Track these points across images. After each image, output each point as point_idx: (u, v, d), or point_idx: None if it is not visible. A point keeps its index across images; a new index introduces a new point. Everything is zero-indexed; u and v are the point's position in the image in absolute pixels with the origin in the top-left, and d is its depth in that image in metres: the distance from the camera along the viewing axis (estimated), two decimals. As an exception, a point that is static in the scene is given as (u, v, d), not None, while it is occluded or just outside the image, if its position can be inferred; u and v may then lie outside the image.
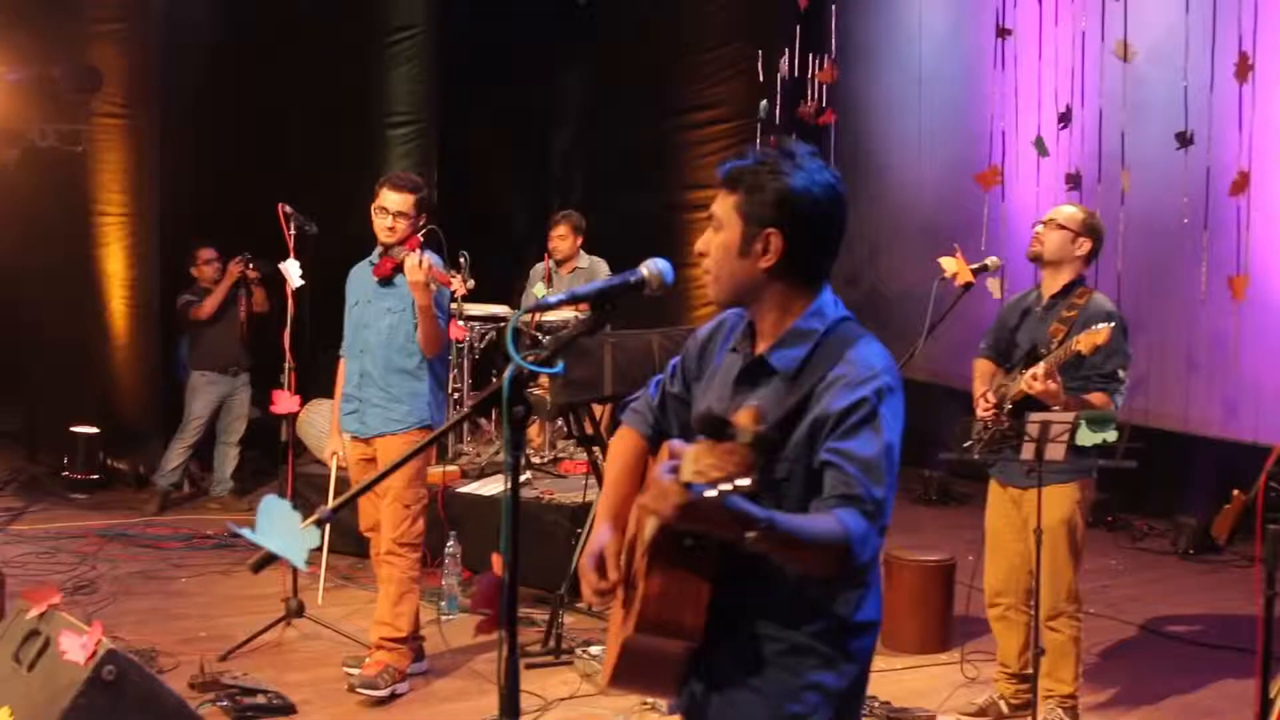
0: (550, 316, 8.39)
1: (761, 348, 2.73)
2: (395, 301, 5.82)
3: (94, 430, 10.18)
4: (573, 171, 13.42)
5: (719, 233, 2.69)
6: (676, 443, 2.49)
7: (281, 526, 2.22)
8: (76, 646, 4.36)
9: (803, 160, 2.67)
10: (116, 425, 10.44)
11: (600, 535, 2.81)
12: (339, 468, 6.38)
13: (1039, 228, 5.47)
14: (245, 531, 2.20)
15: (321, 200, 7.90)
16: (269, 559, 2.24)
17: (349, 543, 7.21)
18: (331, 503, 2.35)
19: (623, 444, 3.04)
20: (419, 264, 5.49)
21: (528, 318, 7.97)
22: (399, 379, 5.85)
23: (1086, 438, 4.76)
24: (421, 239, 5.85)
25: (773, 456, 2.57)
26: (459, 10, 11.78)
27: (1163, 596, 7.80)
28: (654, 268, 2.66)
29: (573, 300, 2.58)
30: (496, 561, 2.34)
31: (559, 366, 2.36)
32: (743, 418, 2.21)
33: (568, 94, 13.37)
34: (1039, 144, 8.85)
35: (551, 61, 13.06)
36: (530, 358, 2.32)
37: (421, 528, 5.90)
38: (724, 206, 2.68)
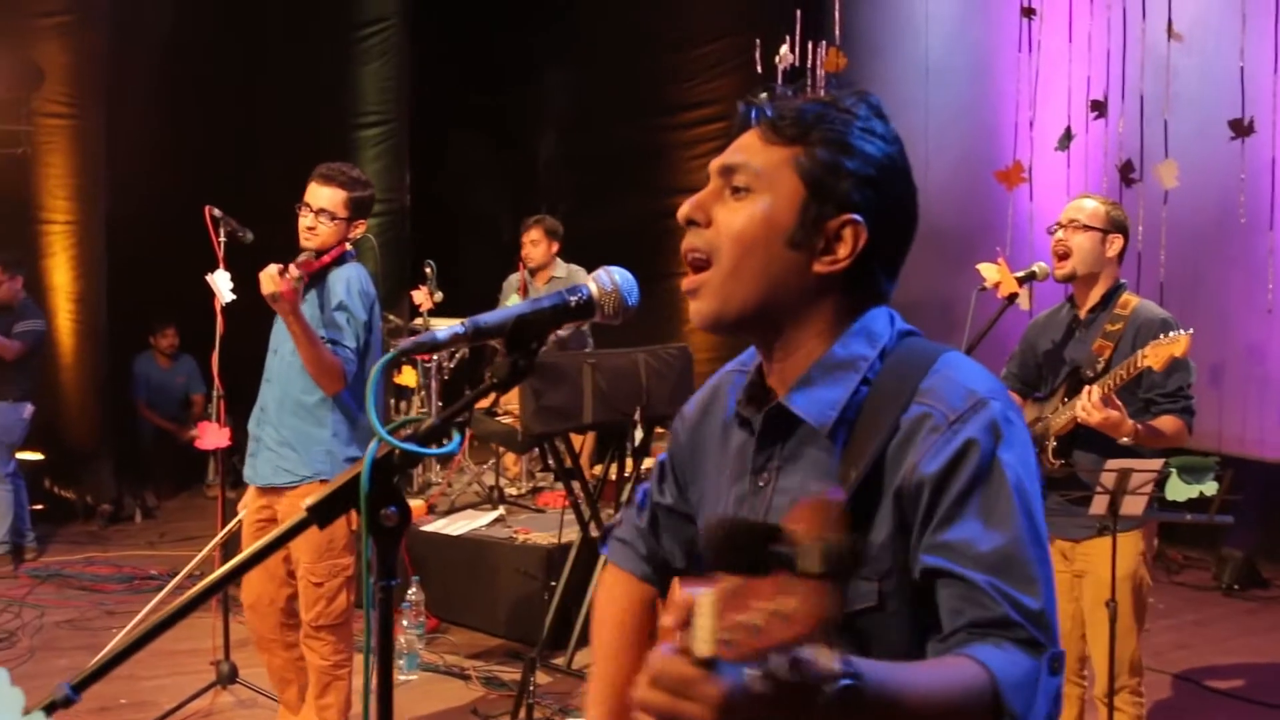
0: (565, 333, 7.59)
1: (781, 393, 1.76)
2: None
3: (39, 456, 9.42)
4: (559, 174, 12.68)
5: (748, 199, 1.71)
6: (688, 587, 1.29)
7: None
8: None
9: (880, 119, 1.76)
10: (63, 451, 9.68)
11: None
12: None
13: (1059, 232, 4.58)
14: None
15: (286, 207, 7.14)
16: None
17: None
18: (92, 665, 1.53)
19: (610, 594, 2.06)
20: (274, 274, 4.44)
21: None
22: (294, 419, 4.76)
23: (1179, 490, 3.90)
24: (349, 246, 4.83)
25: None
26: (432, 2, 11.05)
27: (1210, 642, 6.99)
28: (606, 282, 1.74)
29: (476, 333, 1.63)
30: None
31: (454, 443, 1.53)
32: (801, 520, 1.24)
33: (553, 92, 12.62)
34: (1062, 140, 8.05)
35: (534, 58, 12.33)
36: (407, 433, 1.51)
37: (343, 604, 4.80)
38: (765, 160, 1.72)
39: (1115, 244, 4.55)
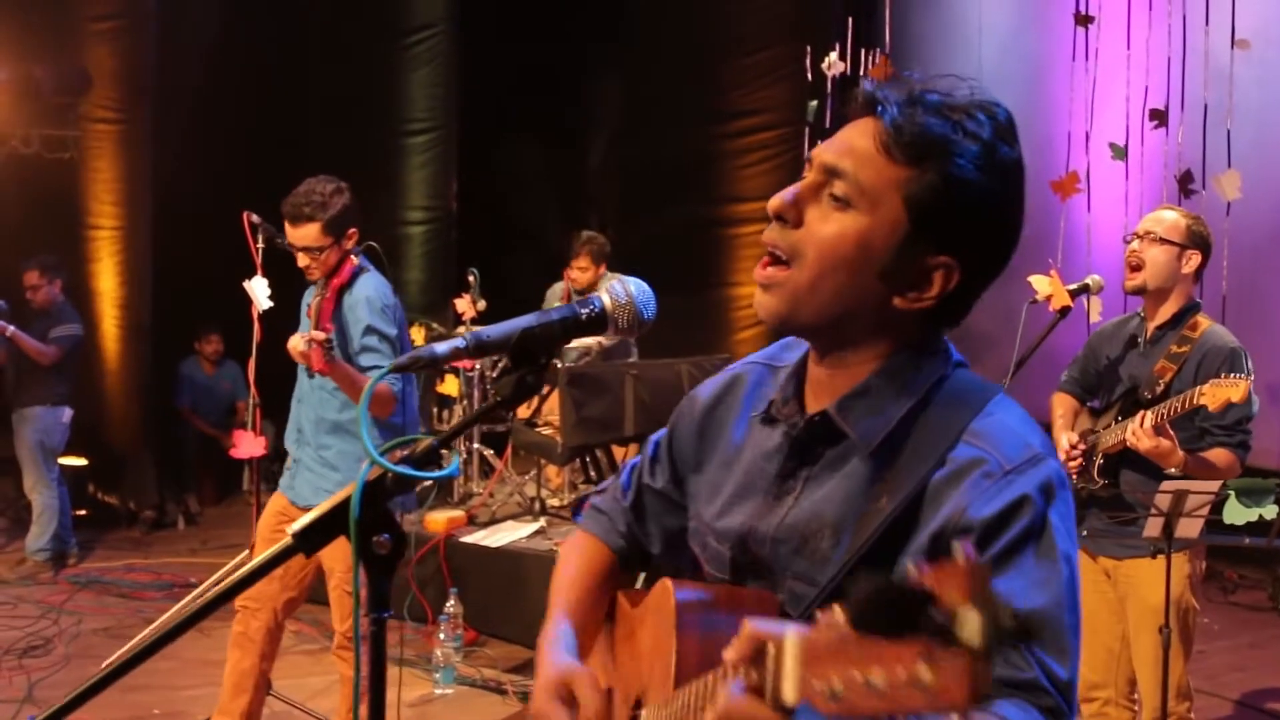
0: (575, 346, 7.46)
1: (824, 402, 1.66)
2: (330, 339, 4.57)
3: (82, 462, 9.42)
4: (608, 181, 12.57)
5: (846, 213, 1.57)
6: (762, 624, 1.20)
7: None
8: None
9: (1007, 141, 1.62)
10: (106, 456, 9.67)
11: (555, 657, 1.74)
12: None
13: (1134, 243, 4.41)
14: None
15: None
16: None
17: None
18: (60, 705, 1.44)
19: (580, 555, 1.97)
20: (298, 346, 4.45)
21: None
22: (331, 438, 4.73)
23: (1238, 514, 3.75)
24: (355, 261, 4.77)
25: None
26: (482, 8, 10.97)
27: (1268, 664, 6.80)
28: (620, 294, 1.63)
29: (479, 347, 1.54)
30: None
31: (453, 466, 1.43)
32: (946, 582, 1.04)
33: (602, 99, 12.52)
34: (1116, 149, 7.85)
35: (584, 64, 12.24)
36: (401, 455, 1.41)
37: None
38: (873, 176, 1.57)
39: (1192, 260, 4.36)
